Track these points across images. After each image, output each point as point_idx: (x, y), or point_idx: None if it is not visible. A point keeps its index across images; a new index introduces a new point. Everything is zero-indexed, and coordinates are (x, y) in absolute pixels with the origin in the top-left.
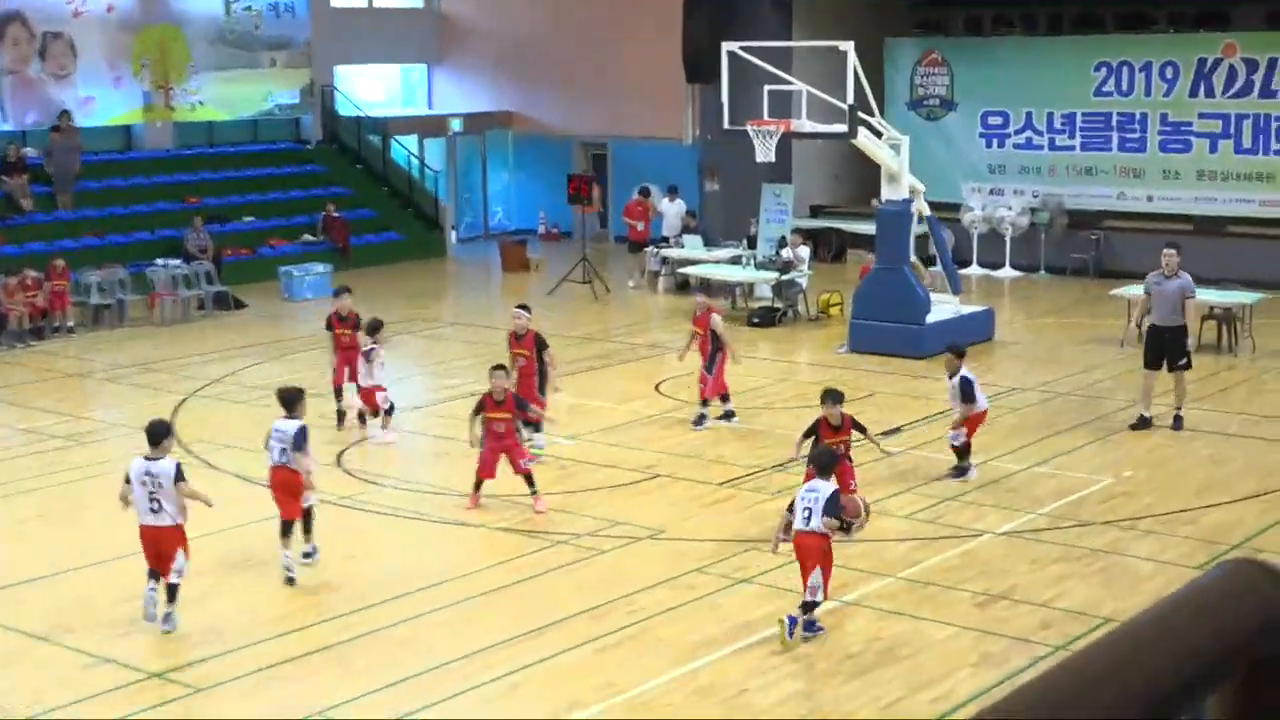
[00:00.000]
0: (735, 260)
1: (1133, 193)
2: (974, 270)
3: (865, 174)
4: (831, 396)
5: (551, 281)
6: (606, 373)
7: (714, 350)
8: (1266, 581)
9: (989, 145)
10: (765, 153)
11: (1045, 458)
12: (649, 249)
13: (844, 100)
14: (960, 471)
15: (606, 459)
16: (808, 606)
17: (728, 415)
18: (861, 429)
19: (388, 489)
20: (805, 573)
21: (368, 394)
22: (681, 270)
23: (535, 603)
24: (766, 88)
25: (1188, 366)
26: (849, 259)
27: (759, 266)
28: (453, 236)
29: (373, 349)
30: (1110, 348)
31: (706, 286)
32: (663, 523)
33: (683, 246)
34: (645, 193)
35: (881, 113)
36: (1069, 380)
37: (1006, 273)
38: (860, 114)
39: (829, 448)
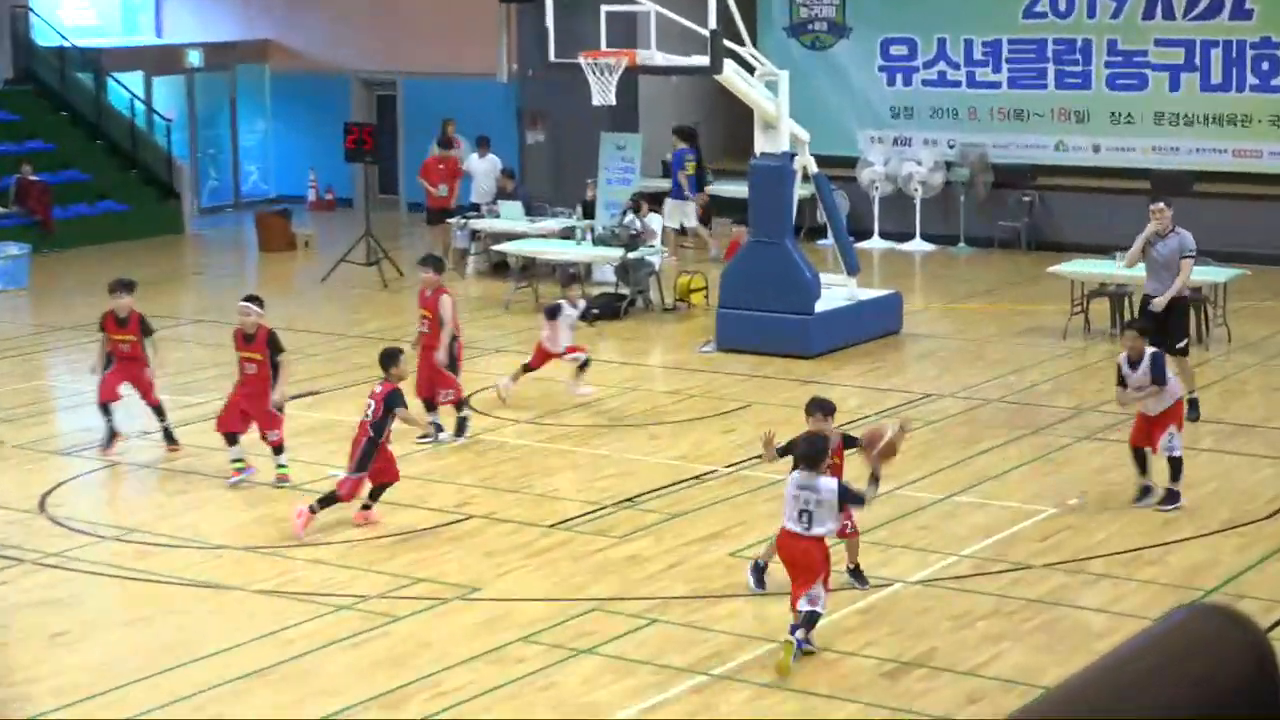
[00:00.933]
0: (567, 233)
1: (1074, 142)
2: (875, 243)
3: (734, 121)
4: (820, 408)
5: (326, 264)
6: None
7: (451, 340)
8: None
9: (891, 82)
10: (604, 93)
11: (969, 484)
12: (454, 220)
13: (704, 25)
14: (1173, 498)
15: (401, 496)
16: (811, 619)
17: (458, 426)
18: (854, 443)
19: (108, 541)
20: (801, 584)
21: (547, 357)
22: (497, 248)
23: (308, 688)
24: (604, 8)
25: (1186, 350)
26: (714, 230)
27: (598, 241)
28: (192, 206)
29: (559, 305)
30: (1050, 340)
31: (529, 267)
32: (476, 578)
33: (498, 216)
34: (447, 144)
35: (754, 41)
36: (998, 383)
37: (916, 246)
38: (726, 43)
39: (818, 435)
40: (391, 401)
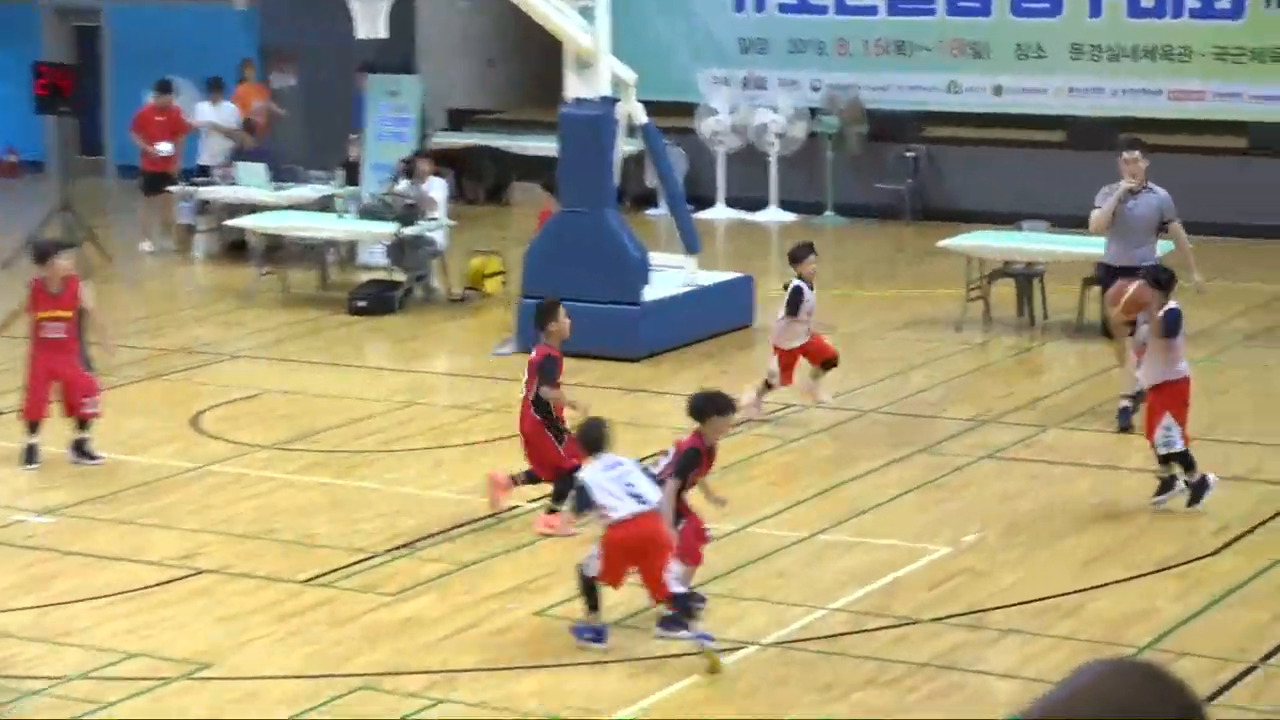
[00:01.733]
0: (325, 204)
1: (970, 83)
2: (720, 212)
3: (539, 59)
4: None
5: (7, 245)
6: (110, 400)
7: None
8: (1160, 697)
9: (740, 7)
10: (371, 24)
11: (840, 518)
12: (178, 188)
13: None
14: (1197, 490)
15: (108, 544)
16: (679, 602)
17: (79, 449)
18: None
19: None
20: (654, 570)
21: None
22: (233, 222)
23: None
24: None
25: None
26: (516, 198)
27: (364, 214)
28: None
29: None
30: (941, 333)
31: (276, 248)
32: (208, 650)
33: (234, 183)
34: (166, 89)
35: None
36: (876, 390)
37: (773, 215)
38: None
39: (595, 420)
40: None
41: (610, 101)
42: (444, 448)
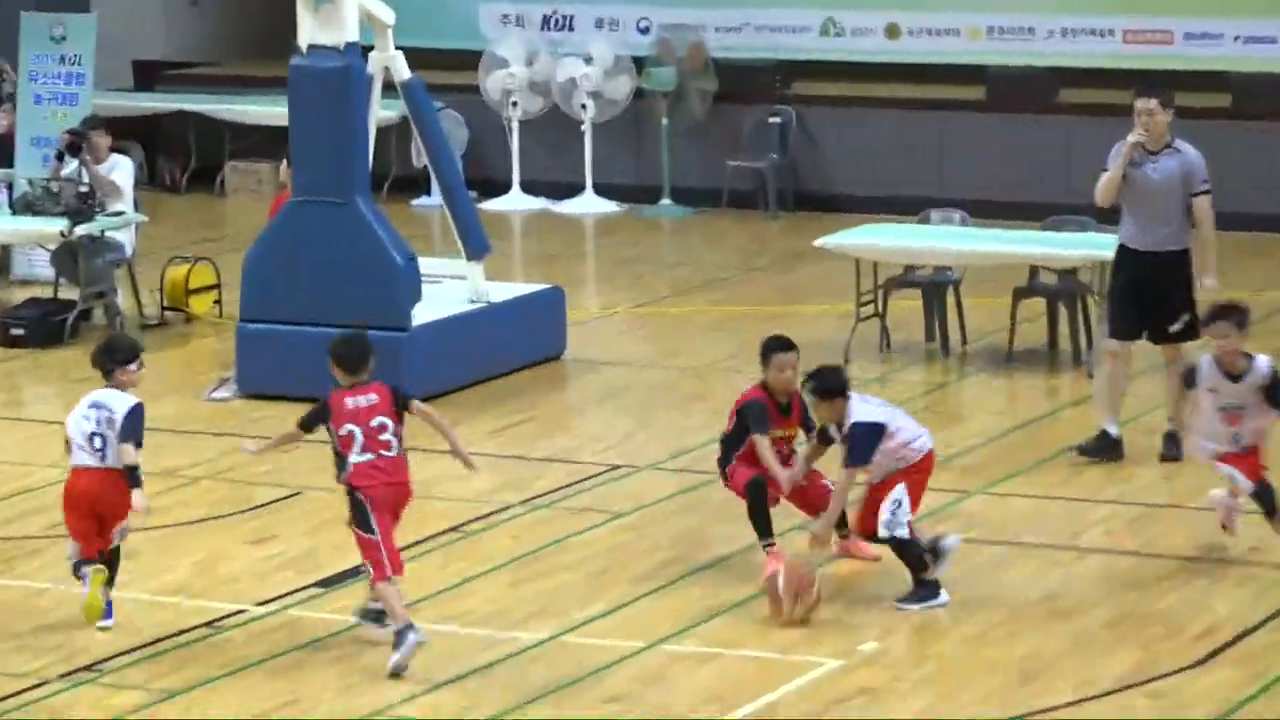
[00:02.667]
0: None
1: (853, 22)
2: (516, 201)
3: None
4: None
5: None
6: None
7: None
8: None
9: None
10: None
11: (691, 620)
12: None
13: None
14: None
15: None
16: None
17: None
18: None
19: None
20: None
21: None
22: None
23: None
24: None
25: (1194, 334)
26: (229, 183)
27: (21, 207)
28: None
29: None
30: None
31: None
32: None
33: None
34: None
35: None
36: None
37: (588, 204)
38: None
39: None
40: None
41: (356, 50)
42: (139, 530)
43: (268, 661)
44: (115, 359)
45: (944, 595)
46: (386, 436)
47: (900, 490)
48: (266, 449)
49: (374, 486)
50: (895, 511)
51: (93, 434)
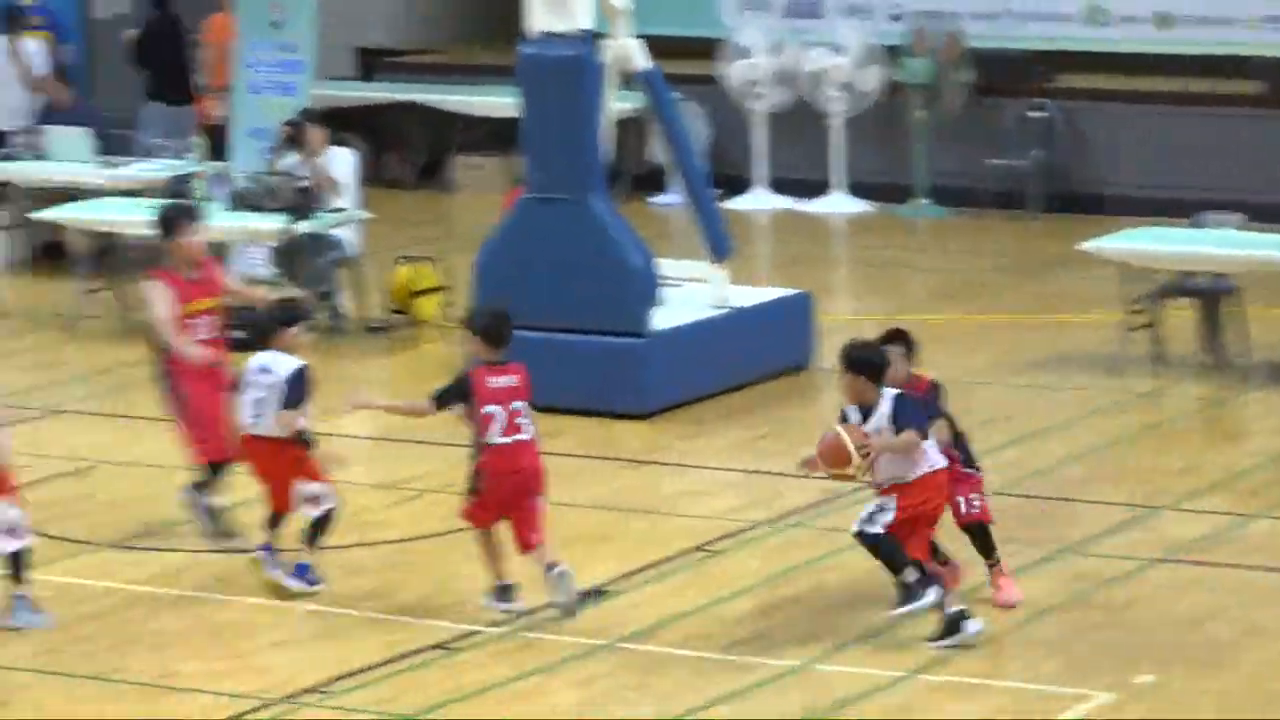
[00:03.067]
0: (178, 188)
1: (1123, 8)
2: (761, 200)
3: None
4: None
5: None
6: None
7: None
8: None
9: None
10: None
11: (940, 654)
12: None
13: None
14: (912, 595)
15: None
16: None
17: None
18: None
19: None
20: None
21: None
22: (46, 215)
23: None
24: None
25: None
26: (458, 180)
27: (237, 203)
28: None
29: None
30: (1088, 378)
31: (108, 253)
32: None
33: (43, 156)
34: None
35: None
36: (996, 462)
37: (838, 204)
38: None
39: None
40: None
41: (593, 38)
42: (363, 545)
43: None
44: (277, 321)
45: (932, 595)
46: (523, 420)
47: (891, 500)
48: (379, 408)
49: (506, 472)
50: (875, 514)
51: (256, 399)
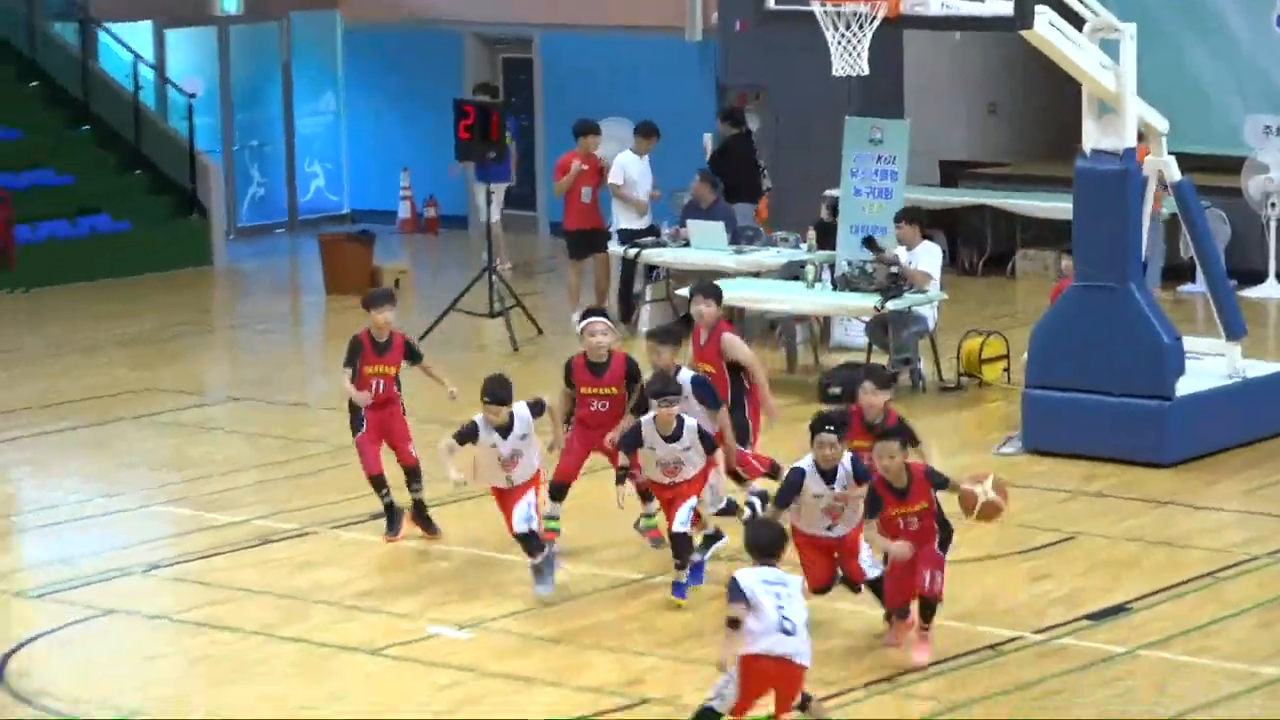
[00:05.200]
0: (793, 271)
1: None
2: (1270, 290)
3: (1051, 102)
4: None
5: (428, 315)
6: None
7: None
8: None
9: None
10: (851, 59)
11: None
12: (618, 249)
13: None
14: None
15: (534, 668)
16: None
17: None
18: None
19: None
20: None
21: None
22: (685, 291)
23: None
24: None
25: None
26: (1019, 268)
27: (840, 284)
28: (225, 225)
29: None
30: None
31: (739, 317)
32: None
33: (686, 244)
34: (588, 131)
35: None
36: None
37: None
38: None
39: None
40: None
41: (1135, 154)
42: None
43: (1036, 685)
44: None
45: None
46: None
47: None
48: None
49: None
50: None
51: None
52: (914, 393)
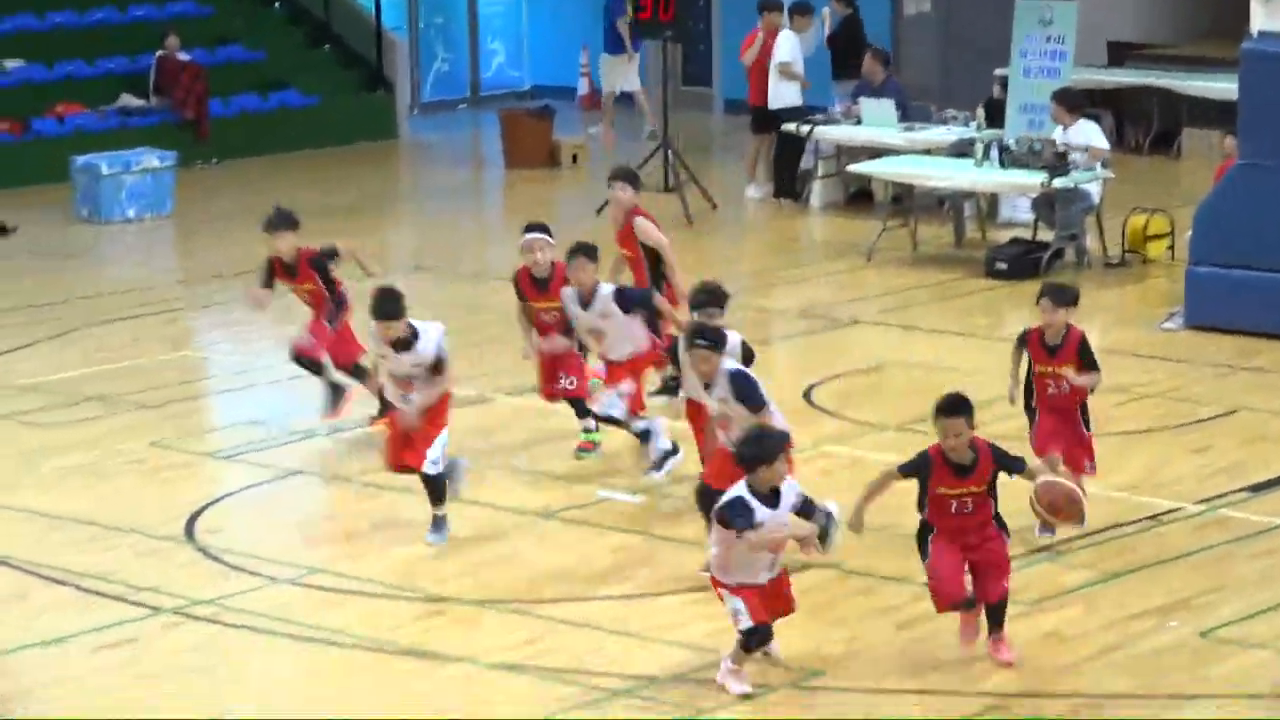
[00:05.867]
0: (962, 149)
1: None
2: None
3: None
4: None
5: (601, 188)
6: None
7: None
8: None
9: None
10: None
11: None
12: (793, 125)
13: None
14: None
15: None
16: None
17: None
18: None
19: (280, 584)
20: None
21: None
22: (857, 168)
23: None
24: None
25: None
26: (1184, 148)
27: (1008, 162)
28: (409, 100)
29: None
30: None
31: (902, 199)
32: (820, 657)
33: (858, 122)
34: (771, 8)
35: None
36: None
37: None
38: None
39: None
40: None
41: None
42: (1101, 434)
43: (1196, 554)
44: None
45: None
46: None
47: None
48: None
49: None
50: None
51: None
52: (1079, 269)
